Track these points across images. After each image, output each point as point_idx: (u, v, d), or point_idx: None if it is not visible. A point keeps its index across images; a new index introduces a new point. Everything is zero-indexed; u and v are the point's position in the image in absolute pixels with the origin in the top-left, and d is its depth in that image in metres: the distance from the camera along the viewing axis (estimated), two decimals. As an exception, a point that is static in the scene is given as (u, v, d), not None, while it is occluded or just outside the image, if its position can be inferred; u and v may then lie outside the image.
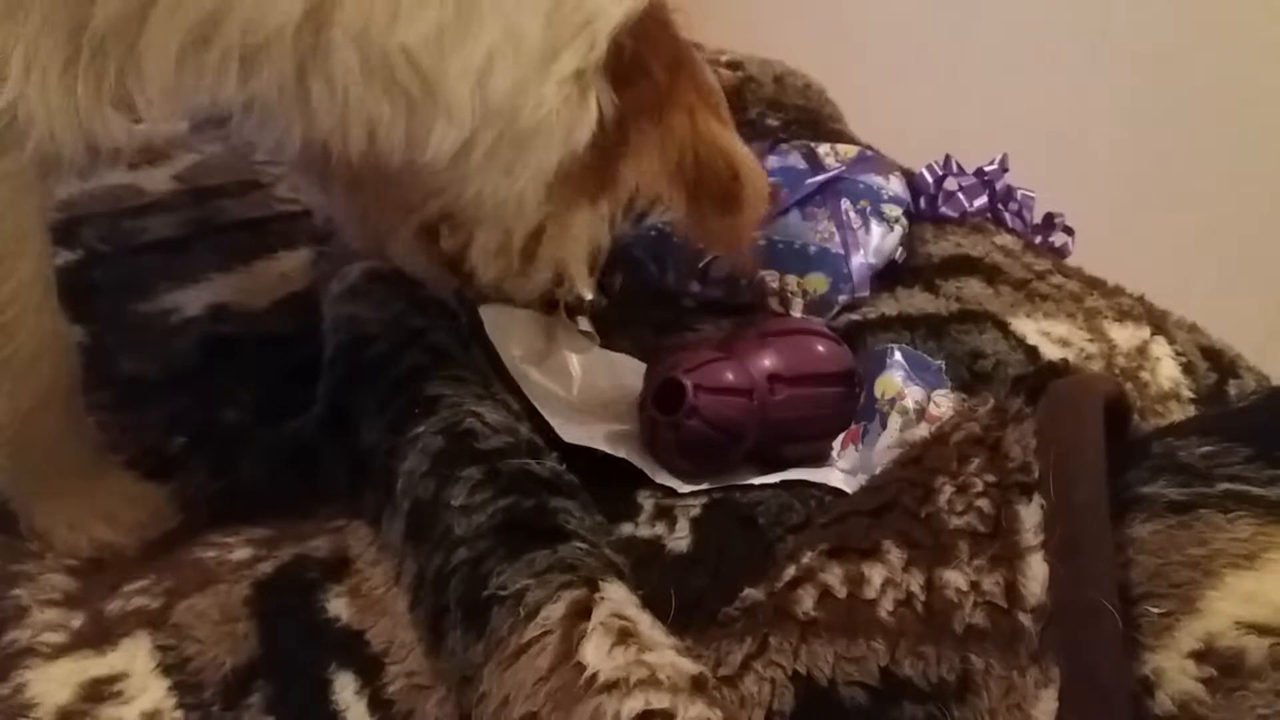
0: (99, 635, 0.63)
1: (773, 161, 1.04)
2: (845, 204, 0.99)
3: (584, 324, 0.89)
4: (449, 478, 0.64)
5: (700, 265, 0.97)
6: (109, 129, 0.60)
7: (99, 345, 0.89)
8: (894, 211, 1.00)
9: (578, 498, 0.65)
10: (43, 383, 0.67)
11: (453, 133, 0.68)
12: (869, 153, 1.08)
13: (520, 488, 0.63)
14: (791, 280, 0.95)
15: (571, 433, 0.75)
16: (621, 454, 0.75)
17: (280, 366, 0.86)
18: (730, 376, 0.76)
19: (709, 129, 0.76)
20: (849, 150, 1.07)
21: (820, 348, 0.80)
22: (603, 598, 0.55)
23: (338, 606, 0.65)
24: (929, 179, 1.08)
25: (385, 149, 0.68)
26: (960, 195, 1.06)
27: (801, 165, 1.03)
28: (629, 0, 0.71)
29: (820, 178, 1.00)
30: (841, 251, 0.95)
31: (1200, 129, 1.50)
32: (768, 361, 0.77)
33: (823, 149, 1.06)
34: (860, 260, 0.95)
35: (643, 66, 0.73)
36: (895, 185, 1.03)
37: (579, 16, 0.69)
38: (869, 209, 0.99)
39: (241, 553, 0.69)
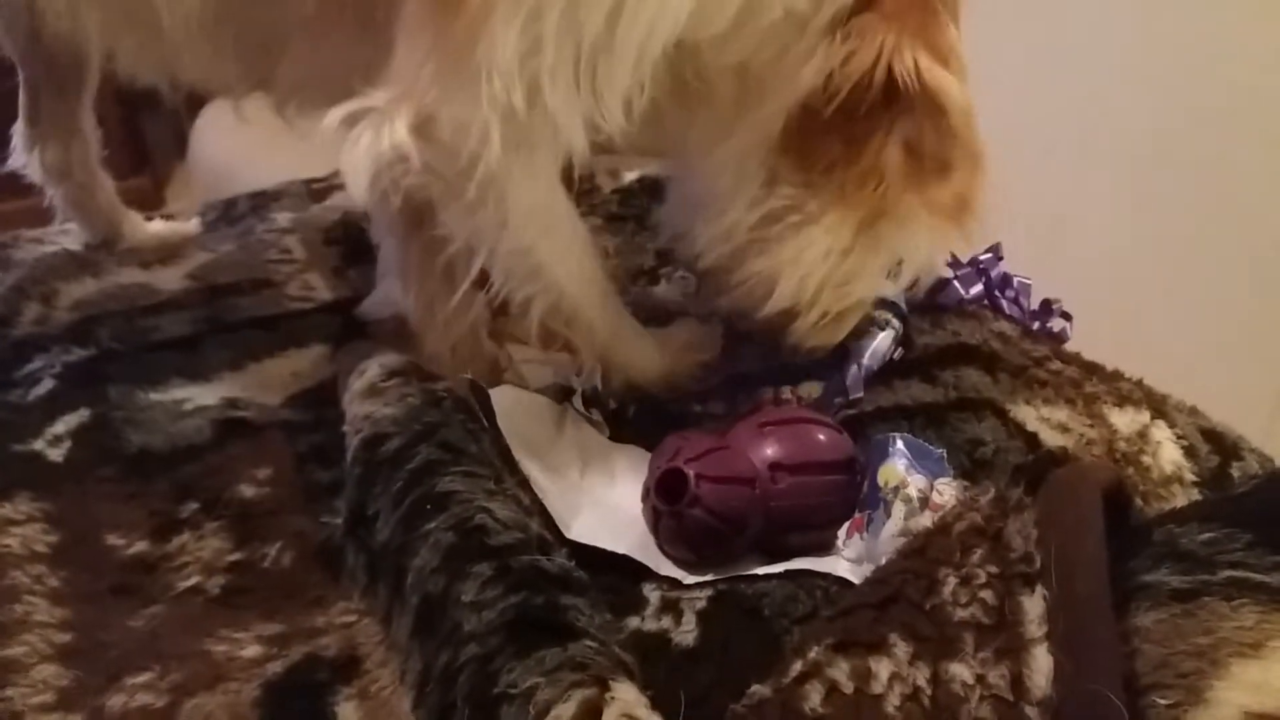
0: (100, 738, 0.62)
1: None
2: None
3: (596, 415, 0.90)
4: (460, 573, 0.65)
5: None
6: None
7: (106, 423, 0.90)
8: (885, 315, 0.99)
9: (587, 595, 0.65)
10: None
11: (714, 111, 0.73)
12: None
13: (531, 584, 0.63)
14: (786, 391, 0.95)
15: (575, 529, 0.75)
16: (623, 549, 0.76)
17: (296, 449, 0.88)
18: (732, 465, 0.77)
19: (922, 65, 0.73)
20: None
21: (821, 436, 0.81)
22: (613, 697, 0.55)
23: (347, 711, 0.65)
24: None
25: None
26: (957, 284, 1.08)
27: None
28: None
29: None
30: (834, 358, 0.96)
31: (1198, 211, 1.52)
32: (769, 450, 0.78)
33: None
34: (854, 370, 0.95)
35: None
36: (886, 287, 1.01)
37: None
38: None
39: (251, 650, 0.69)
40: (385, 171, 0.76)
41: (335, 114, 0.77)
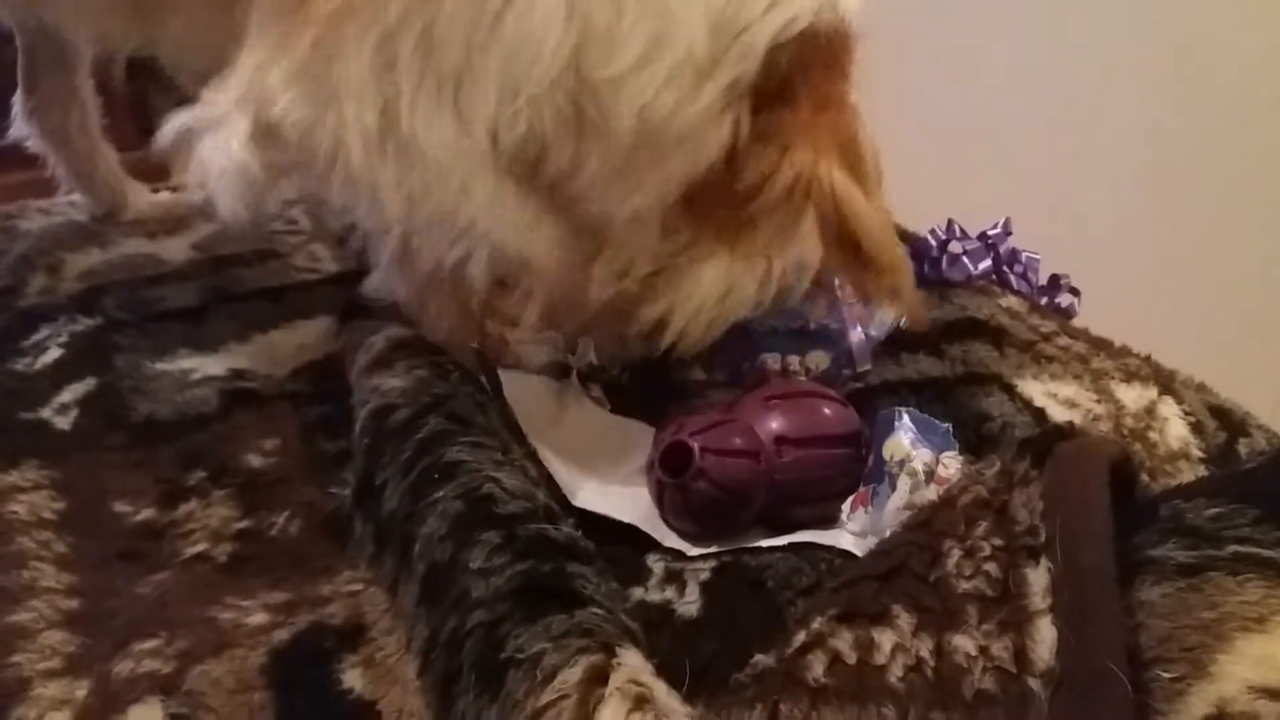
0: (107, 704, 0.62)
1: None
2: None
3: (595, 390, 0.90)
4: (467, 541, 0.65)
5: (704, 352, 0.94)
6: None
7: (113, 392, 0.91)
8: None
9: (593, 563, 0.66)
10: None
11: (606, 152, 0.71)
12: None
13: (538, 552, 0.64)
14: (794, 360, 0.95)
15: (582, 497, 0.75)
16: (629, 520, 0.76)
17: (303, 419, 0.88)
18: (737, 439, 0.77)
19: (835, 181, 0.72)
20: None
21: (826, 410, 0.81)
22: (619, 663, 0.56)
23: (352, 678, 0.65)
24: (932, 243, 1.09)
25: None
26: (965, 259, 1.08)
27: None
28: (786, 11, 0.68)
29: None
30: (841, 326, 0.95)
31: (1208, 188, 1.52)
32: (774, 424, 0.78)
33: None
34: (860, 337, 0.95)
35: (789, 95, 0.71)
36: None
37: (734, 24, 0.68)
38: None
39: (258, 617, 0.69)
40: (233, 180, 0.76)
41: (175, 122, 0.76)
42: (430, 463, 0.71)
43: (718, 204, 0.74)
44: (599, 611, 0.60)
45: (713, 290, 0.77)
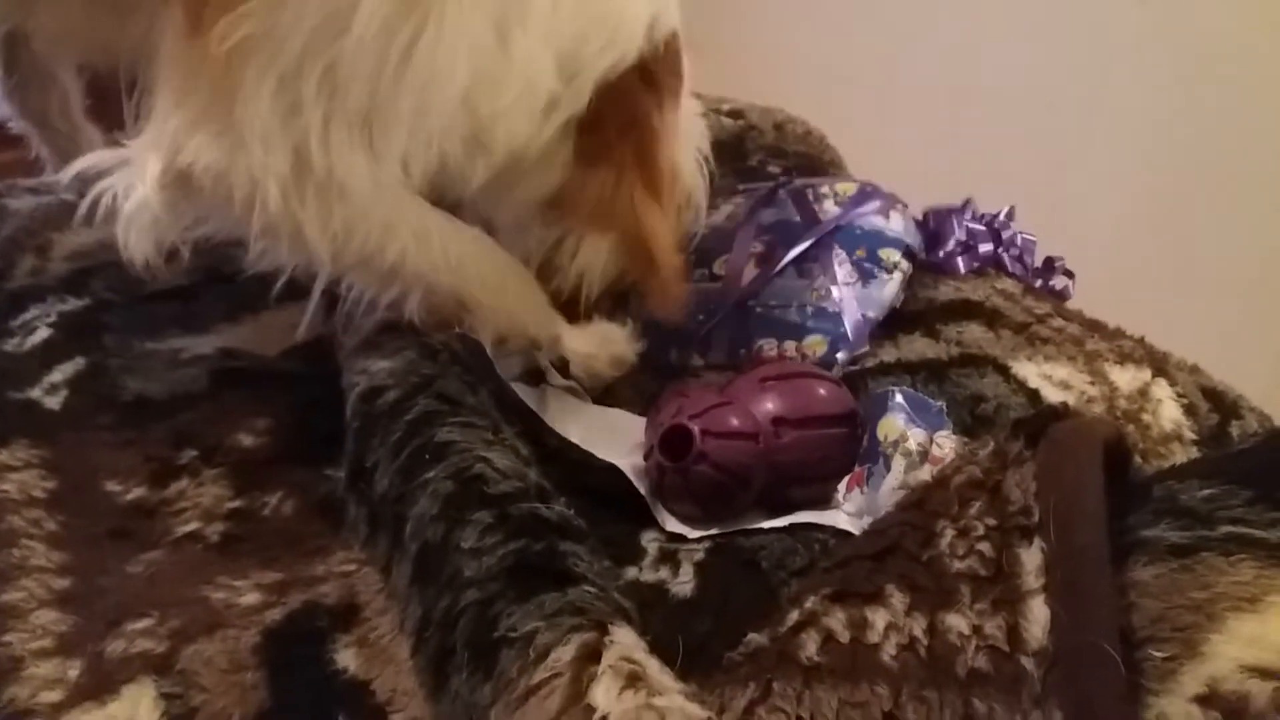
0: (99, 684, 0.62)
1: (767, 216, 1.04)
2: (841, 256, 0.98)
3: (573, 383, 0.89)
4: (459, 521, 0.65)
5: (701, 337, 0.97)
6: None
7: (103, 371, 0.90)
8: (893, 256, 0.99)
9: (586, 542, 0.66)
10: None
11: (488, 168, 0.80)
12: (869, 188, 1.06)
13: (530, 531, 0.64)
14: (790, 346, 0.95)
15: (600, 451, 0.77)
16: (642, 490, 0.76)
17: (295, 399, 0.87)
18: (735, 421, 0.77)
19: (630, 197, 0.84)
20: (848, 188, 1.06)
21: (821, 390, 0.81)
22: (612, 641, 0.56)
23: (346, 657, 0.65)
24: (954, 224, 1.07)
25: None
26: (978, 248, 1.06)
27: (795, 219, 1.03)
28: (616, 53, 0.79)
29: (815, 234, 1.00)
30: (838, 309, 0.95)
31: (1201, 171, 1.52)
32: (770, 405, 0.78)
33: (824, 188, 1.06)
34: (857, 318, 0.95)
35: (600, 123, 0.81)
36: (896, 223, 1.02)
37: (574, 67, 0.79)
38: (866, 258, 0.98)
39: (251, 597, 0.69)
40: (139, 223, 0.77)
41: (84, 162, 0.78)
42: (421, 444, 0.71)
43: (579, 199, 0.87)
44: (591, 590, 0.60)
45: (602, 254, 0.89)
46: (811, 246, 0.99)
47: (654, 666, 0.56)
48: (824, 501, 0.79)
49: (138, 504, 0.76)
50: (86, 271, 1.06)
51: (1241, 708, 0.47)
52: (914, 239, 1.03)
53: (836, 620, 0.56)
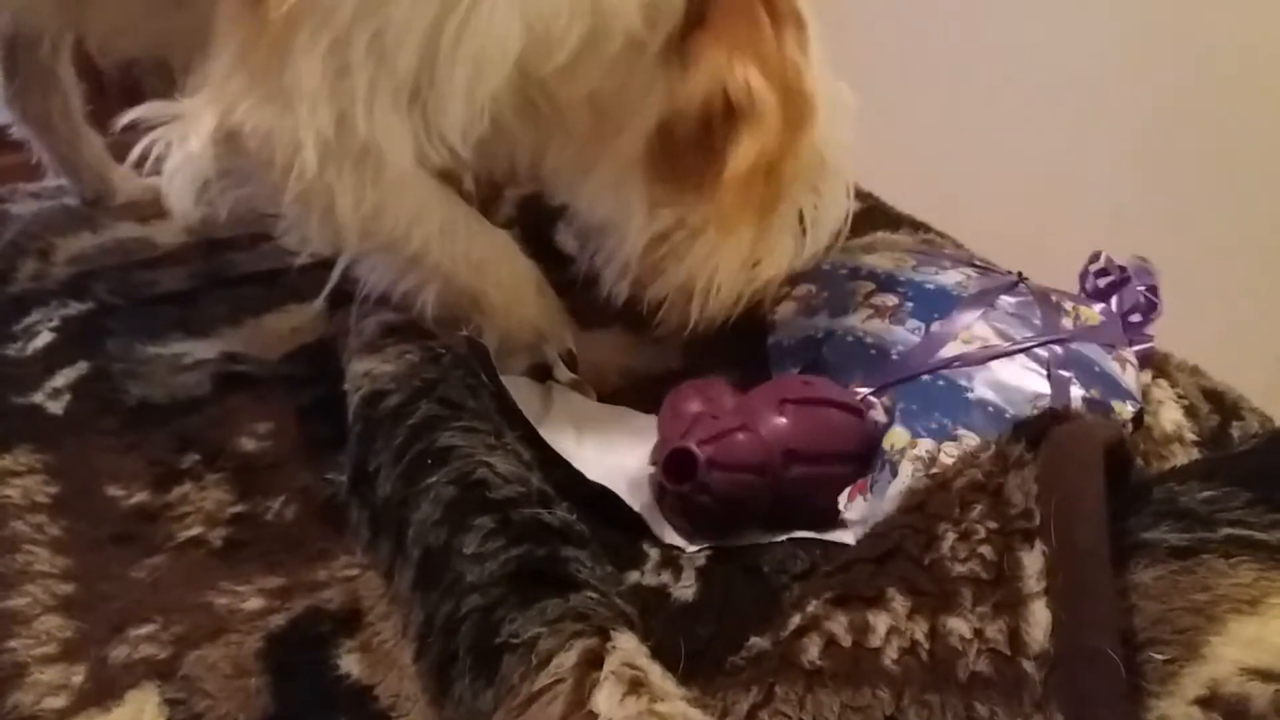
0: (103, 689, 0.63)
1: (1005, 304, 0.89)
2: (1076, 384, 0.82)
3: (580, 380, 0.89)
4: (461, 526, 0.65)
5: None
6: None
7: (105, 376, 0.91)
8: (1125, 413, 0.83)
9: (588, 547, 0.66)
10: None
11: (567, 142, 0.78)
12: (1110, 324, 0.91)
13: (532, 537, 0.64)
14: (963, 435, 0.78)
15: (593, 471, 0.75)
16: (637, 507, 0.76)
17: (298, 403, 0.88)
18: (745, 454, 0.73)
19: (749, 79, 0.75)
20: (1091, 315, 0.91)
21: (840, 422, 0.78)
22: (614, 647, 0.56)
23: (349, 663, 0.65)
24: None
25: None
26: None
27: (1036, 319, 0.87)
28: None
29: (1049, 337, 0.85)
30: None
31: (1201, 169, 1.51)
32: (785, 433, 0.75)
33: (1066, 303, 0.91)
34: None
35: (699, 16, 0.76)
36: (1130, 378, 0.87)
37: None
38: (1099, 399, 0.82)
39: (254, 602, 0.69)
40: (187, 177, 0.77)
41: (137, 112, 0.78)
42: (423, 448, 0.71)
43: (686, 161, 0.78)
44: (594, 595, 0.60)
45: (722, 254, 0.82)
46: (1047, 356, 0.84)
47: (656, 672, 0.56)
48: (826, 524, 0.77)
49: (140, 509, 0.77)
50: (89, 275, 1.07)
51: (1242, 710, 0.48)
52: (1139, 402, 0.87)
53: (838, 624, 0.56)
